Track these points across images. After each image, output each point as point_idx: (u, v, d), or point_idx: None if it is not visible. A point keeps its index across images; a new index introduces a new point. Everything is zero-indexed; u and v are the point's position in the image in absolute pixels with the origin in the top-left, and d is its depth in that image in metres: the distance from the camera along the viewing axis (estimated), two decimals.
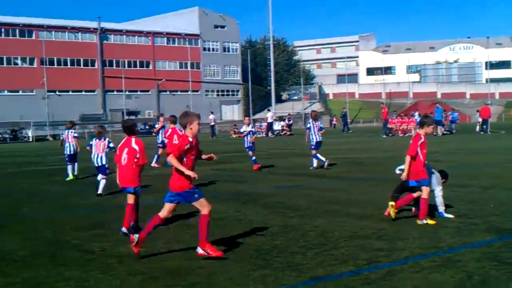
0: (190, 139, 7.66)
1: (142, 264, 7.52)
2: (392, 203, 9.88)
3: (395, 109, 73.62)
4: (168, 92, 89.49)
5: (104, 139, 15.23)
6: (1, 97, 75.90)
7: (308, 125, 20.05)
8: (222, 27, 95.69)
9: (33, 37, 79.00)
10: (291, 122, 59.34)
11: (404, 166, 9.92)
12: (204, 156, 8.13)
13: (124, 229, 9.28)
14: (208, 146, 37.79)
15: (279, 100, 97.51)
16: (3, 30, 77.13)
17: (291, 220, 10.30)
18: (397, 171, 10.73)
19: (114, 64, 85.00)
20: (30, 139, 64.15)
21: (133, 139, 9.61)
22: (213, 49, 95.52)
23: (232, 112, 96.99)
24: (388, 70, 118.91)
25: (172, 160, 7.58)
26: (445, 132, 44.48)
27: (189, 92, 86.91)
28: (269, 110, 67.35)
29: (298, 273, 6.88)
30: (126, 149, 9.52)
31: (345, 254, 7.69)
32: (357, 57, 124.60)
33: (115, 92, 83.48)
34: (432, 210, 9.92)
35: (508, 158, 21.89)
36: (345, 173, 18.38)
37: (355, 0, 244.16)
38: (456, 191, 12.69)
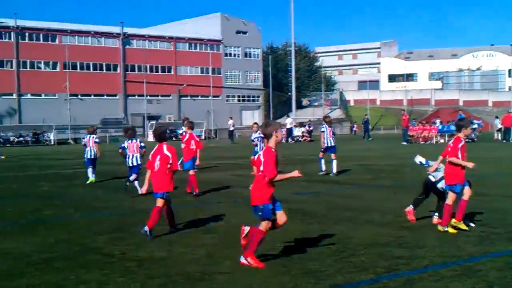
0: (273, 150, 7.50)
1: (162, 268, 7.56)
2: (454, 220, 9.40)
3: (416, 116, 73.07)
4: (189, 97, 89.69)
5: (136, 140, 15.57)
6: (24, 100, 76.68)
7: (323, 129, 19.96)
8: (244, 32, 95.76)
9: (57, 42, 79.67)
10: (311, 128, 59.16)
11: (432, 163, 9.84)
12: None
13: (146, 228, 9.36)
14: (228, 152, 37.85)
15: (299, 106, 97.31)
16: (27, 34, 77.94)
17: (310, 227, 10.28)
18: (417, 161, 10.67)
19: (136, 69, 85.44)
20: (52, 142, 64.66)
21: (164, 146, 9.75)
22: (234, 55, 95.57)
23: (252, 118, 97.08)
24: (410, 77, 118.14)
25: (277, 180, 7.47)
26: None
27: (210, 97, 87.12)
28: (288, 116, 67.32)
29: (317, 280, 6.85)
30: (158, 156, 9.66)
31: (364, 262, 7.65)
32: (379, 63, 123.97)
33: (136, 97, 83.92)
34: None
35: None
36: (365, 180, 18.31)
37: (377, 7, 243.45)
38: (477, 199, 12.56)
